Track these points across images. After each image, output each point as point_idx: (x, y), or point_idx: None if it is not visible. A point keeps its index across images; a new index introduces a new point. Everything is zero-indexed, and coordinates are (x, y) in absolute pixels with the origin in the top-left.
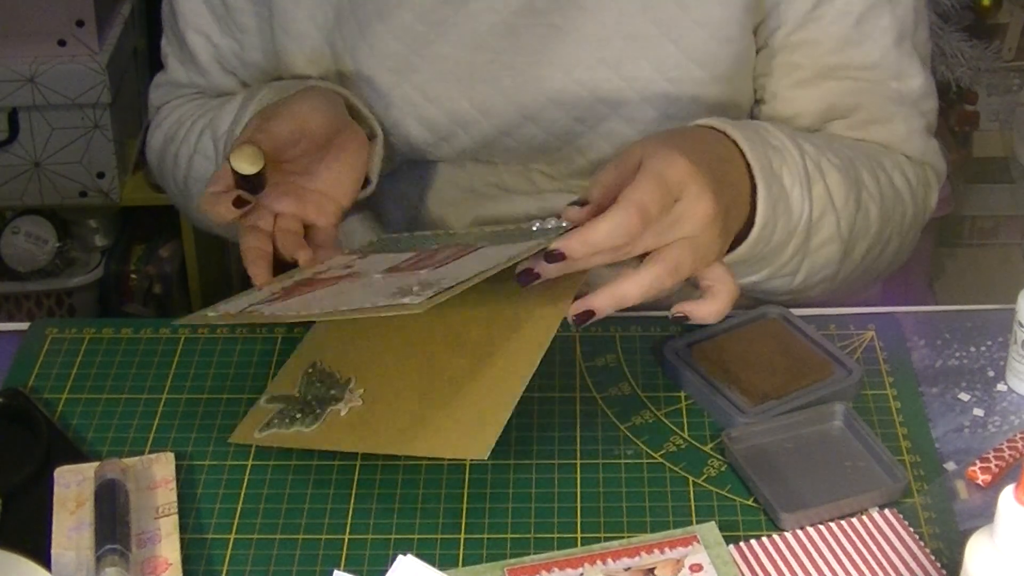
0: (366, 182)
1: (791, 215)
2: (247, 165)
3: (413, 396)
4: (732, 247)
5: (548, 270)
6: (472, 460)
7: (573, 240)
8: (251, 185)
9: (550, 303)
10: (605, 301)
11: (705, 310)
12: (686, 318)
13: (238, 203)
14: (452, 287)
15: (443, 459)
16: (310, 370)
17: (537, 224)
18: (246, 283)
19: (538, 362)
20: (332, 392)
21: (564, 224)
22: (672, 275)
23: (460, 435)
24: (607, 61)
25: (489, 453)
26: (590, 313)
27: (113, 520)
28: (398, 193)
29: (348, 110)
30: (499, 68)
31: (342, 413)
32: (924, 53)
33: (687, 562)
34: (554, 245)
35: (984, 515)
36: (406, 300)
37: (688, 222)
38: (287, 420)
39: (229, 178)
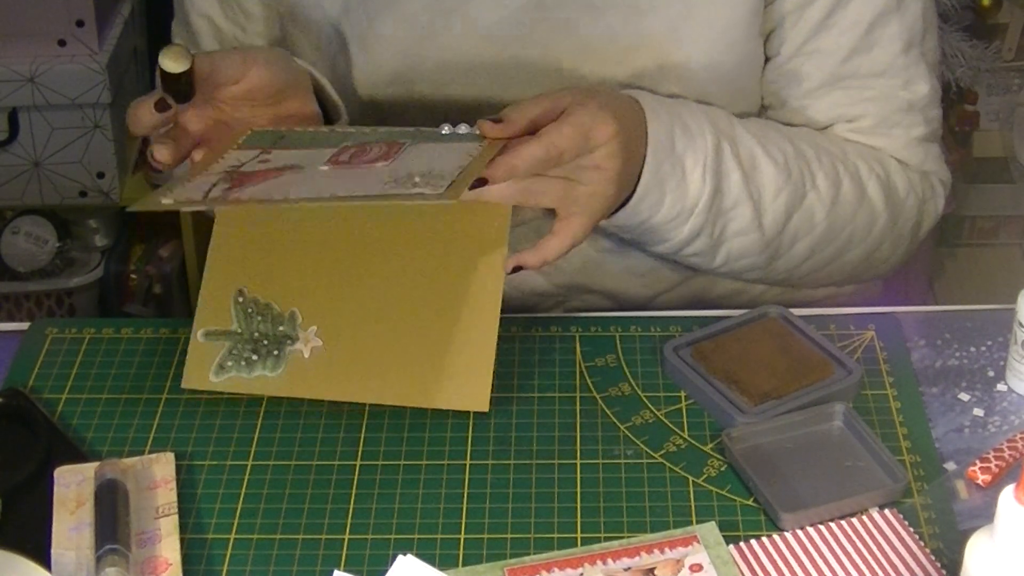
0: None
1: (686, 194)
2: (171, 63)
3: (378, 337)
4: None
5: (469, 196)
6: (475, 412)
7: (499, 169)
8: (177, 93)
9: (487, 236)
10: (532, 258)
11: (540, 252)
12: (521, 268)
13: (160, 106)
14: (458, 178)
15: (445, 411)
16: (240, 299)
17: (447, 128)
18: None
19: (500, 300)
20: (281, 328)
21: (476, 132)
22: (581, 230)
23: (452, 385)
24: (613, 60)
25: (488, 405)
26: (520, 268)
27: (113, 520)
28: None
29: (317, 93)
30: (507, 61)
31: (305, 355)
32: (932, 60)
33: (687, 562)
34: (484, 174)
35: (984, 515)
36: (425, 191)
37: (596, 173)
38: (243, 363)
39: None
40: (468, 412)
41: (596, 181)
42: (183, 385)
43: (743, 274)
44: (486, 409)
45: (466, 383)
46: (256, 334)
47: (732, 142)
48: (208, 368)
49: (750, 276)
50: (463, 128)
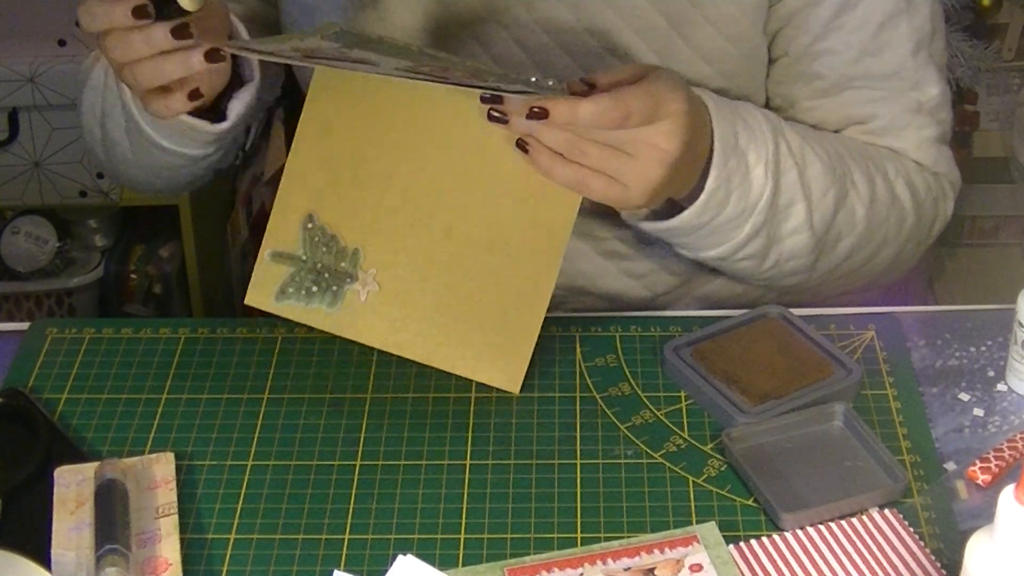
0: (221, 117)
1: (750, 191)
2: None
3: (431, 296)
4: (682, 209)
5: (519, 126)
6: (475, 411)
7: (560, 106)
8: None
9: (561, 202)
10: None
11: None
12: (545, 112)
13: (178, 33)
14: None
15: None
16: (309, 225)
17: (536, 77)
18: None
19: (552, 288)
20: (343, 265)
21: (563, 87)
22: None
23: (490, 361)
24: (616, 52)
25: (519, 389)
26: (544, 111)
27: (113, 520)
28: None
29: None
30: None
31: (361, 298)
32: (941, 63)
33: (687, 562)
34: (544, 104)
35: (984, 515)
36: (526, 88)
37: (651, 151)
38: (303, 292)
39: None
40: (468, 412)
41: (649, 159)
42: (245, 302)
43: (784, 279)
44: (516, 391)
45: (504, 361)
46: (319, 265)
47: (785, 139)
48: (271, 291)
49: (789, 282)
50: (551, 82)
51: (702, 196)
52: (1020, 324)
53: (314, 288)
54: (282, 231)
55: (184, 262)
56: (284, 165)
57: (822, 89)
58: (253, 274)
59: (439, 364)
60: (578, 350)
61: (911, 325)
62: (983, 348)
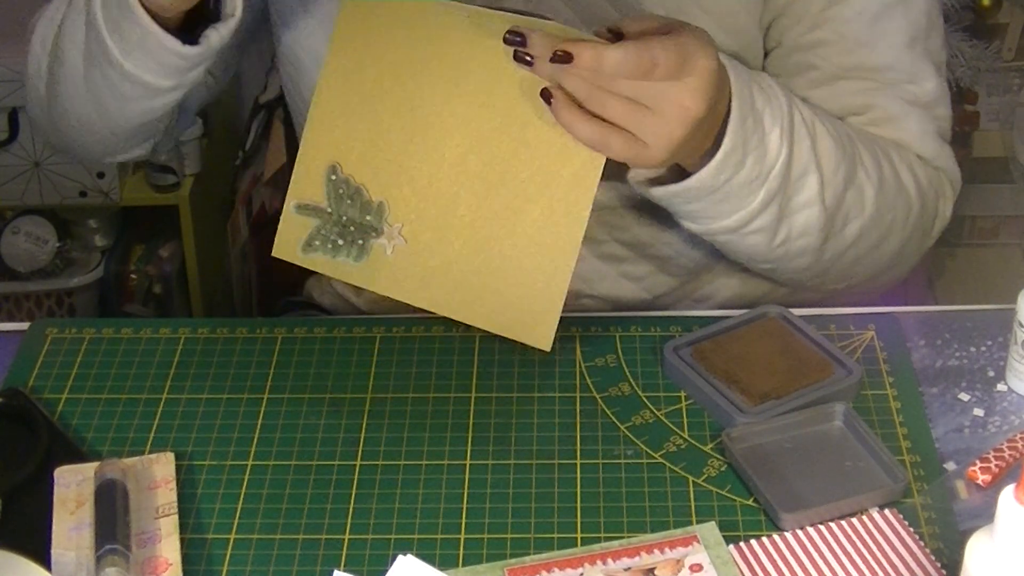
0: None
1: (766, 154)
2: None
3: (459, 250)
4: (700, 167)
5: (543, 68)
6: (476, 410)
7: (587, 50)
8: None
9: (586, 157)
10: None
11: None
12: (569, 56)
13: None
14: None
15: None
16: (333, 177)
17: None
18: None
19: (579, 245)
20: (368, 219)
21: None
22: (627, 136)
23: (519, 317)
24: None
25: (551, 346)
26: (568, 56)
27: (113, 520)
28: None
29: None
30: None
31: (388, 252)
32: (938, 61)
33: (687, 562)
34: (569, 47)
35: (984, 515)
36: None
37: (675, 110)
38: (329, 245)
39: None
40: (468, 412)
41: (672, 117)
42: (273, 254)
43: (792, 262)
44: (548, 348)
45: (534, 319)
46: (344, 218)
47: (799, 109)
48: (297, 243)
49: (796, 265)
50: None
51: (719, 155)
52: (1020, 324)
53: (340, 241)
54: (306, 183)
55: (184, 262)
56: (284, 164)
57: (816, 80)
58: (279, 227)
59: (468, 319)
60: (578, 350)
61: (911, 325)
62: (983, 348)
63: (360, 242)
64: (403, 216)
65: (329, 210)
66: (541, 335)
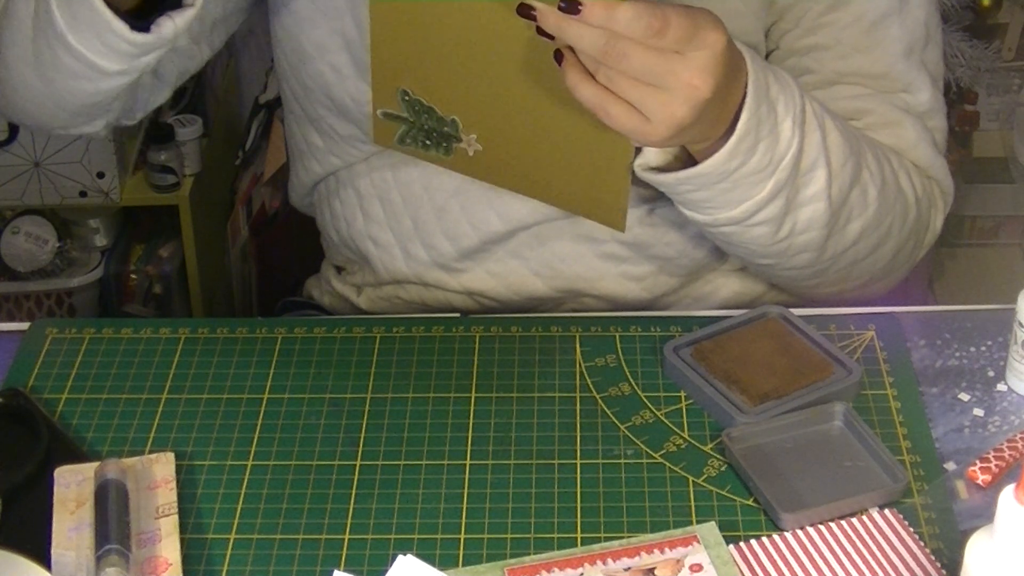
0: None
1: (777, 143)
2: None
3: (531, 147)
4: (710, 155)
5: (548, 17)
6: (476, 409)
7: (598, 4)
8: None
9: None
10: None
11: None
12: (577, 5)
13: None
14: None
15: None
16: (406, 98)
17: None
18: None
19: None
20: (446, 129)
21: None
22: (631, 113)
23: (593, 201)
24: None
25: (624, 226)
26: (576, 5)
27: (113, 520)
28: None
29: None
30: None
31: (469, 153)
32: (935, 72)
33: (687, 562)
34: (582, 0)
35: (984, 515)
36: None
37: (684, 90)
38: (419, 144)
39: None
40: (468, 412)
41: (678, 94)
42: (374, 143)
43: (793, 258)
44: (622, 229)
45: (604, 201)
46: (426, 127)
47: (809, 101)
48: (392, 137)
49: (796, 263)
50: None
51: (732, 138)
52: (1020, 324)
53: (427, 141)
54: (384, 97)
55: (184, 262)
56: (284, 164)
57: (812, 84)
58: (372, 124)
59: (550, 202)
60: (578, 350)
61: (911, 325)
62: (983, 348)
63: (445, 144)
64: (475, 128)
65: (411, 120)
66: (614, 218)
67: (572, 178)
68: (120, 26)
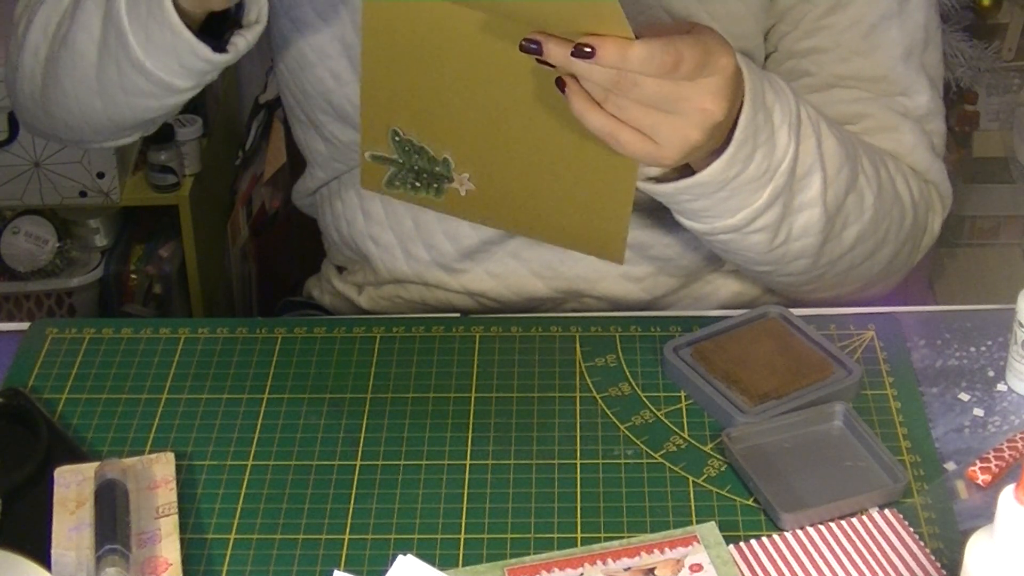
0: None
1: (774, 150)
2: None
3: (525, 186)
4: (707, 164)
5: (555, 52)
6: (476, 409)
7: (610, 45)
8: None
9: None
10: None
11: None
12: (591, 50)
13: None
14: None
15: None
16: (397, 138)
17: None
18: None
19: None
20: (438, 169)
21: None
22: (643, 139)
23: (590, 236)
24: None
25: (624, 259)
26: (589, 50)
27: (113, 520)
28: None
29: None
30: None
31: (461, 194)
32: (934, 76)
33: (687, 562)
34: (592, 42)
35: (984, 515)
36: None
37: (697, 115)
38: (408, 186)
39: None
40: (468, 412)
41: (691, 119)
42: (361, 187)
43: (789, 264)
44: (622, 262)
45: (603, 235)
46: (416, 167)
47: (805, 107)
48: (380, 180)
49: (792, 268)
50: None
51: (730, 147)
52: (1020, 324)
53: (417, 183)
54: (373, 138)
55: (184, 262)
56: (284, 164)
57: (810, 87)
58: (360, 168)
59: (545, 239)
60: (578, 350)
61: (911, 325)
62: (983, 348)
63: (435, 185)
64: (468, 166)
65: (401, 161)
66: (613, 248)
67: (571, 211)
68: (203, 49)
